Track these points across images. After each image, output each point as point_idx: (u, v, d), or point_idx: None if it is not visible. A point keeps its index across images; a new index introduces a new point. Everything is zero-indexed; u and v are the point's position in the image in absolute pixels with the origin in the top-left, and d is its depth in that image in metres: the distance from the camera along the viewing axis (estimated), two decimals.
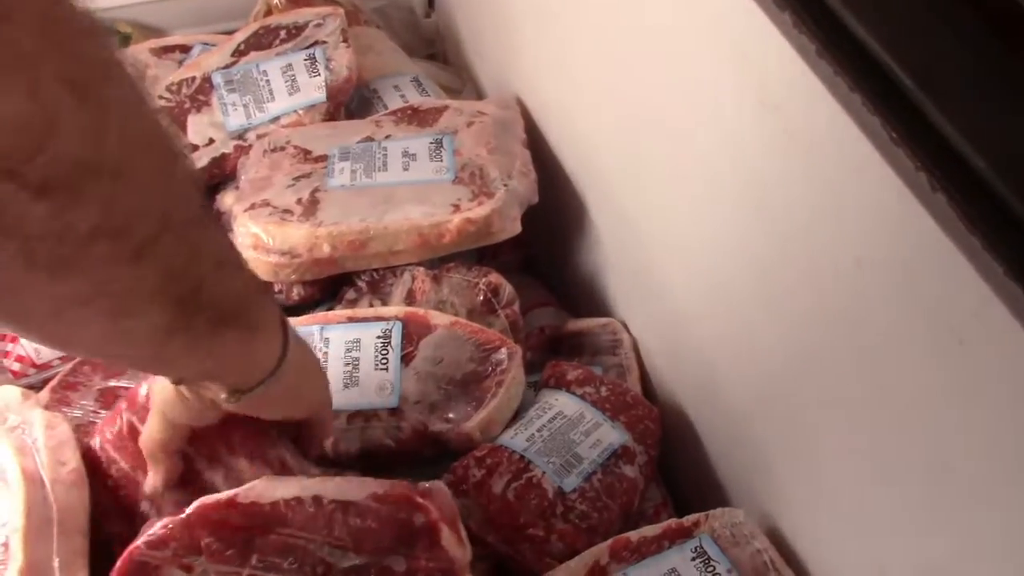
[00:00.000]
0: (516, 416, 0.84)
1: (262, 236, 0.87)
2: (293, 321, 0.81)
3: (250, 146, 1.00)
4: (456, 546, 0.67)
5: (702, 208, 0.74)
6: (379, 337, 0.84)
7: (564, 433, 0.80)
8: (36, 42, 0.36)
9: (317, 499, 0.67)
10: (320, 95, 1.03)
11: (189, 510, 0.67)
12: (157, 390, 0.66)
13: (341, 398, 0.80)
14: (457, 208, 0.88)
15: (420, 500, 0.68)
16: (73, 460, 0.69)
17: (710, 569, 0.71)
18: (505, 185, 0.91)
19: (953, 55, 0.52)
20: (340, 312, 0.87)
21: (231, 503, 0.67)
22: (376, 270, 0.92)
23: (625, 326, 0.96)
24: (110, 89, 0.40)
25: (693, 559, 0.72)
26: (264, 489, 0.68)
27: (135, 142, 0.42)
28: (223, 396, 0.61)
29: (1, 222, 0.37)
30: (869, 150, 0.50)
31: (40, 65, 0.36)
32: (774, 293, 0.67)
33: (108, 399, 0.85)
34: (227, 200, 1.02)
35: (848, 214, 0.55)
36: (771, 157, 0.61)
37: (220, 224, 0.52)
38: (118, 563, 0.66)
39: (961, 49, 0.52)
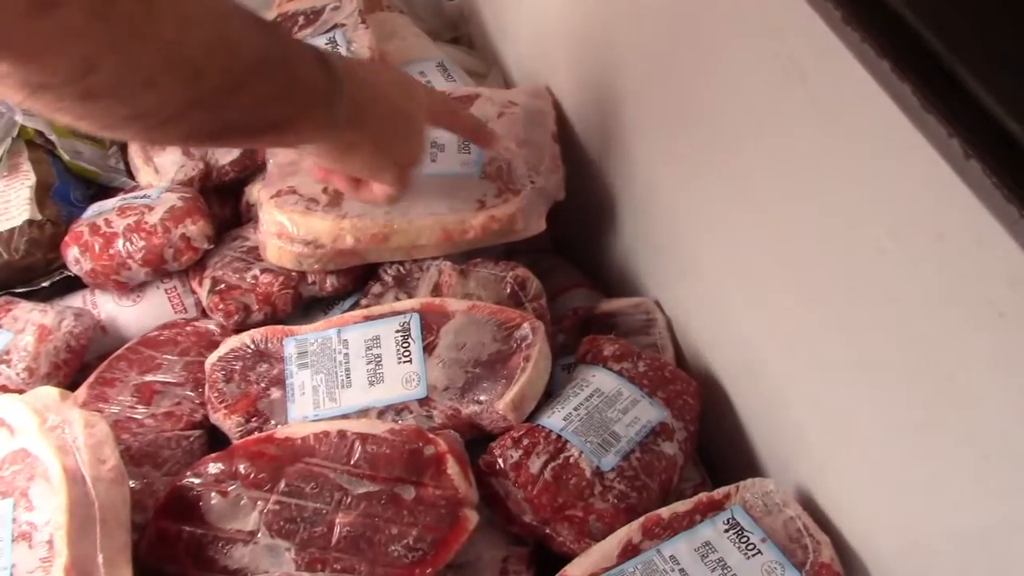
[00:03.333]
0: (552, 394, 0.83)
1: (287, 225, 0.88)
2: (305, 329, 0.86)
3: None
4: (461, 478, 0.74)
5: (732, 183, 0.73)
6: (398, 331, 0.83)
7: (601, 411, 0.80)
8: (85, 20, 0.47)
9: (342, 432, 0.76)
10: None
11: (234, 445, 0.78)
12: None
13: (368, 396, 0.81)
14: (482, 205, 0.88)
15: (431, 435, 0.76)
16: (113, 458, 0.70)
17: (744, 540, 0.71)
18: (532, 182, 0.90)
19: (984, 16, 0.50)
20: (355, 313, 0.87)
21: (269, 438, 0.77)
22: (402, 264, 0.92)
23: (659, 305, 0.95)
24: (147, 42, 0.51)
25: (726, 531, 0.72)
26: (299, 427, 0.78)
27: (167, 67, 0.53)
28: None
29: (57, 108, 0.52)
30: (899, 117, 0.49)
31: (85, 37, 0.48)
32: (807, 267, 0.66)
33: (145, 394, 0.87)
34: (254, 193, 1.03)
35: (879, 184, 0.54)
36: (799, 127, 0.60)
37: (281, 61, 0.62)
38: (166, 491, 0.76)
39: (993, 10, 0.50)
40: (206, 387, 0.84)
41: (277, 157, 0.94)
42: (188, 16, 0.53)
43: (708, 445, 0.87)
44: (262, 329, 0.87)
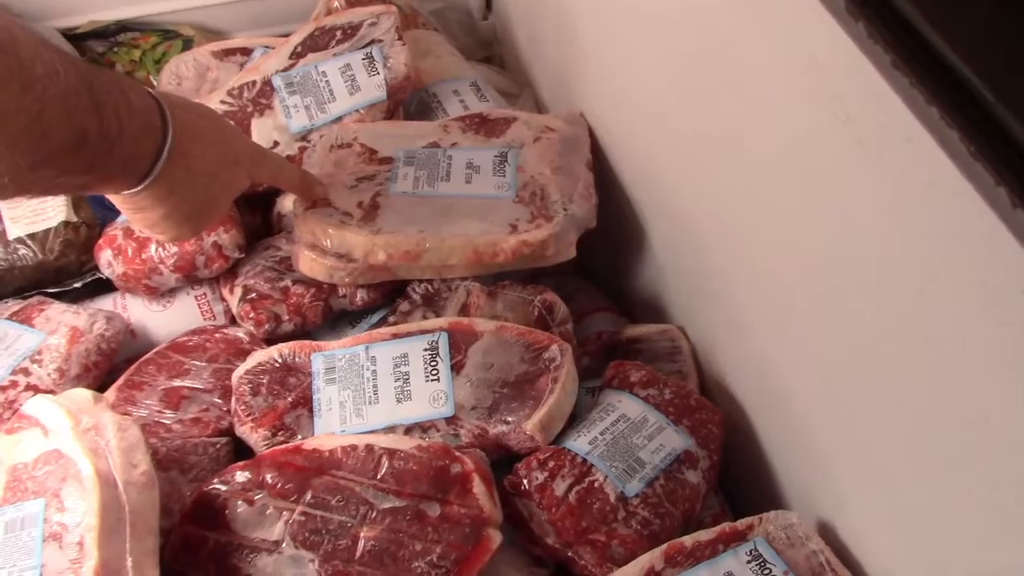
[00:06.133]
0: (578, 418, 0.84)
1: (321, 237, 0.88)
2: (333, 344, 0.87)
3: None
4: (486, 497, 0.74)
5: (770, 219, 0.73)
6: (426, 349, 0.84)
7: (627, 437, 0.80)
8: None
9: (369, 446, 0.77)
10: (381, 93, 1.04)
11: (261, 453, 0.79)
12: None
13: (395, 413, 0.81)
14: (514, 229, 0.89)
15: (457, 453, 0.76)
16: (144, 463, 0.71)
17: (766, 572, 0.71)
18: (565, 209, 0.91)
19: None
20: (384, 330, 0.87)
21: (297, 449, 0.78)
22: (431, 283, 0.93)
23: (684, 332, 0.95)
24: None
25: (748, 562, 0.72)
26: (326, 439, 0.79)
27: None
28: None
29: None
30: (946, 164, 0.49)
31: None
32: (841, 304, 0.66)
33: (172, 399, 0.87)
34: (286, 203, 1.04)
35: (924, 229, 0.54)
36: (844, 170, 0.60)
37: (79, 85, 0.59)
38: (192, 497, 0.77)
39: None
40: (233, 400, 0.85)
41: (313, 169, 0.95)
42: None
43: (729, 474, 0.87)
44: (290, 344, 0.87)
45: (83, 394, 0.76)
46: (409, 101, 1.10)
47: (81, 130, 0.58)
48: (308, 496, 0.75)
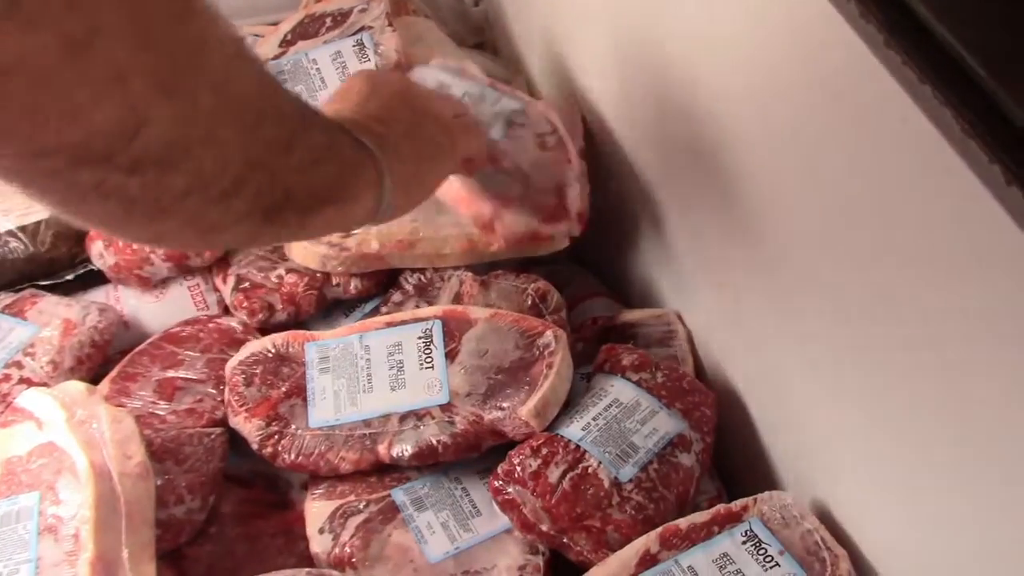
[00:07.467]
0: (570, 403, 0.84)
1: None
2: (327, 334, 0.86)
3: None
4: None
5: (763, 199, 0.73)
6: (420, 337, 0.84)
7: (620, 422, 0.80)
8: (129, 52, 0.37)
9: None
10: None
11: None
12: None
13: (390, 402, 0.81)
14: None
15: None
16: (138, 454, 0.71)
17: (762, 552, 0.71)
18: None
19: None
20: (377, 319, 0.87)
21: None
22: (424, 273, 0.92)
23: (679, 317, 0.95)
24: (199, 76, 0.41)
25: (744, 543, 0.72)
26: None
27: (225, 112, 0.44)
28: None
29: (99, 191, 0.41)
30: (939, 142, 0.49)
31: (132, 76, 0.38)
32: (836, 283, 0.66)
33: (166, 390, 0.87)
34: None
35: (917, 208, 0.54)
36: (836, 149, 0.60)
37: (315, 119, 0.54)
38: None
39: None
40: (226, 391, 0.85)
41: None
42: (227, 41, 0.44)
43: (724, 457, 0.87)
44: (283, 334, 0.87)
45: (77, 386, 0.76)
46: None
47: (295, 99, 0.52)
48: None
